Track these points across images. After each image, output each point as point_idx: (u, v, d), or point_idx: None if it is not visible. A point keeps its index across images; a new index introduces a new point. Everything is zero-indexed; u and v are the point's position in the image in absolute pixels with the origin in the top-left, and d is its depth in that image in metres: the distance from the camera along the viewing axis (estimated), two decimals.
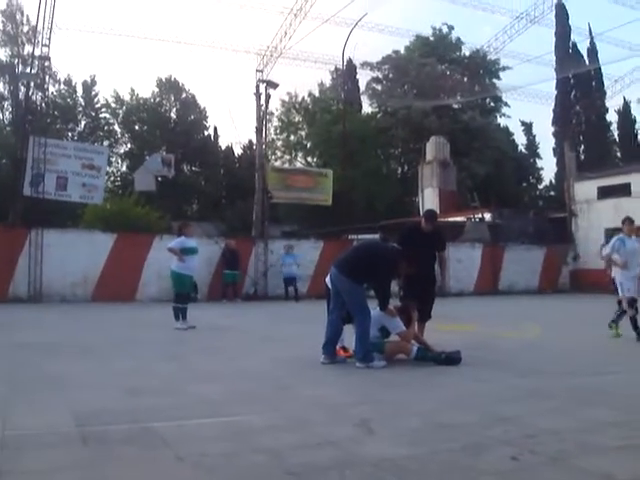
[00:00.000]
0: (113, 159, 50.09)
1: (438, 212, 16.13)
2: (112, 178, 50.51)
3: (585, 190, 32.44)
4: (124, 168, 52.43)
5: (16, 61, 44.46)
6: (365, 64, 51.10)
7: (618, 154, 54.73)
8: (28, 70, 30.48)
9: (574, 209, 32.82)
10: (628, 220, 11.87)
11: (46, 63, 25.61)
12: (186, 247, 13.53)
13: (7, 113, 47.63)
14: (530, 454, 4.26)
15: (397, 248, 8.95)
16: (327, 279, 8.78)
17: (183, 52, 61.99)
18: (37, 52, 25.30)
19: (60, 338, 11.72)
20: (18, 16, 44.19)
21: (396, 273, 8.54)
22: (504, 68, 50.90)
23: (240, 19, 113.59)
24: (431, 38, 52.61)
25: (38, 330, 13.43)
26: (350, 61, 46.83)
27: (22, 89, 38.93)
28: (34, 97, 26.59)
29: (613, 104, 53.09)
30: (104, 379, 7.36)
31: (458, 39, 53.11)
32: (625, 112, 54.37)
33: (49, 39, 24.13)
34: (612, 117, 54.46)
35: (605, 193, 31.47)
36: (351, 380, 7.50)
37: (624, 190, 30.33)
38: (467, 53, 51.67)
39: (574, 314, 19.20)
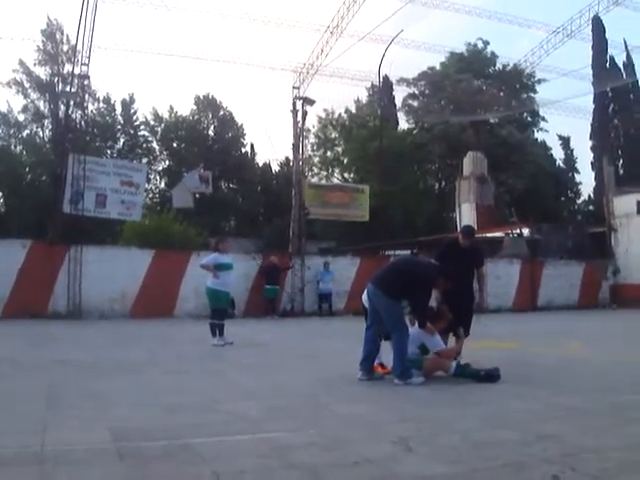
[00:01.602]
0: (152, 176, 50.83)
1: (476, 227, 16.01)
2: (150, 195, 51.20)
3: (624, 204, 31.91)
4: (162, 185, 53.22)
5: (56, 80, 45.17)
6: (401, 80, 51.11)
7: None
8: (68, 88, 30.97)
9: (613, 224, 32.28)
10: None
11: (85, 82, 26.04)
12: (220, 263, 13.48)
13: (47, 131, 48.49)
14: (571, 472, 4.17)
15: (434, 264, 8.90)
16: (364, 296, 8.73)
17: (221, 70, 62.60)
18: (77, 71, 25.79)
19: (98, 354, 11.79)
20: (58, 35, 44.97)
21: (433, 289, 8.47)
22: (540, 81, 50.20)
23: (277, 37, 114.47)
24: (466, 54, 52.38)
25: (77, 346, 13.54)
26: (386, 77, 46.78)
27: (62, 107, 39.45)
28: (74, 115, 27.00)
29: None
30: (142, 395, 7.39)
31: (493, 53, 52.79)
32: None
33: (89, 58, 24.53)
34: None
35: None
36: (389, 397, 7.44)
37: None
38: (502, 68, 51.29)
39: (615, 330, 18.93)
